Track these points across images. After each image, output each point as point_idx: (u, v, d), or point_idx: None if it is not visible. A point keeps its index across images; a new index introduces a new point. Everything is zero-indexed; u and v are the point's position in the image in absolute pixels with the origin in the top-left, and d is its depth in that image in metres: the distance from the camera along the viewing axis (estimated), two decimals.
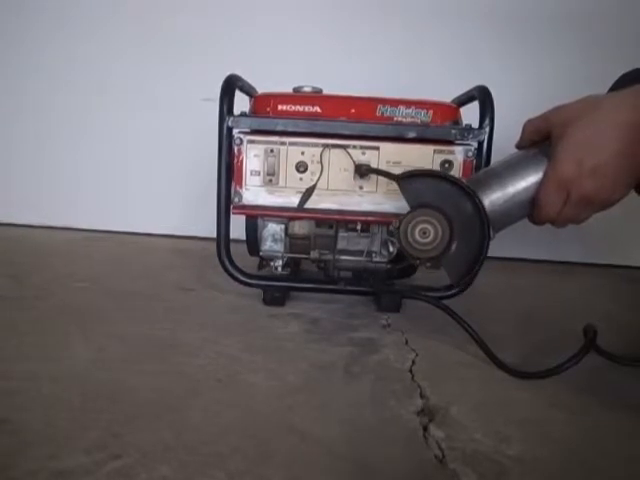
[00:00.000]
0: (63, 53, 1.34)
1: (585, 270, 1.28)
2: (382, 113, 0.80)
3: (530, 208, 0.62)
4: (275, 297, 0.84)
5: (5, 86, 1.36)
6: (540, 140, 0.62)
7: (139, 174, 1.36)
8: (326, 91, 0.84)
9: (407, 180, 0.66)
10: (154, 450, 0.44)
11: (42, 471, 0.40)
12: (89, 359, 0.61)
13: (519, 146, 0.65)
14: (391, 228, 0.68)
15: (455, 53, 1.25)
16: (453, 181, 0.64)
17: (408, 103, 0.80)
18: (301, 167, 0.79)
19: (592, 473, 0.45)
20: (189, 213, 1.34)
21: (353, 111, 0.80)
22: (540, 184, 0.60)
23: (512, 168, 0.63)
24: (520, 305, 0.96)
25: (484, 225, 0.62)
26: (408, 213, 0.65)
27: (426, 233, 0.63)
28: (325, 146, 0.79)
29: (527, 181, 0.61)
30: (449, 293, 0.82)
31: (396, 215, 0.79)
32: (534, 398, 0.58)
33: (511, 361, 0.65)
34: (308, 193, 0.79)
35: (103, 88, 1.34)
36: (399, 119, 0.80)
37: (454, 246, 0.64)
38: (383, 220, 0.80)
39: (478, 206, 0.62)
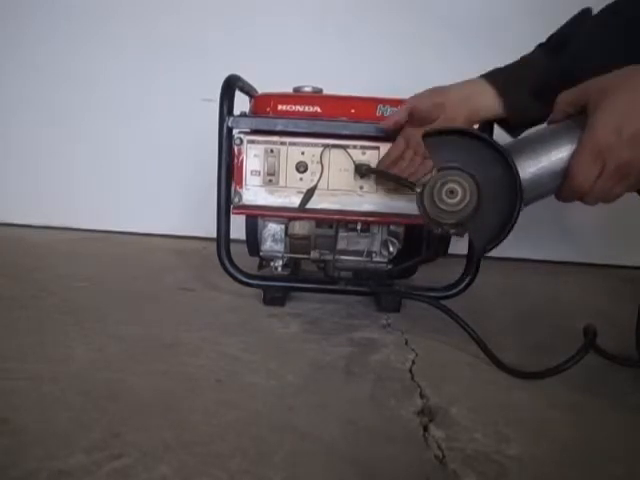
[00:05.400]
0: (62, 53, 1.34)
1: (585, 270, 1.28)
2: (382, 113, 0.80)
3: (561, 180, 0.58)
4: (275, 297, 0.84)
5: (4, 86, 1.36)
6: (575, 113, 0.59)
7: (139, 174, 1.36)
8: (326, 91, 0.84)
9: (435, 138, 0.61)
10: (154, 450, 0.44)
11: (42, 471, 0.40)
12: (89, 359, 0.61)
13: (552, 120, 0.61)
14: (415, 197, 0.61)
15: (455, 52, 1.25)
16: (485, 140, 0.59)
17: None
18: (301, 167, 0.79)
19: (592, 473, 0.45)
20: (189, 213, 1.34)
21: (353, 111, 0.80)
22: (574, 153, 0.57)
23: (545, 138, 0.60)
24: (520, 305, 0.96)
25: (516, 188, 0.57)
26: (437, 173, 0.60)
27: (453, 193, 0.58)
28: (325, 146, 0.79)
29: (561, 151, 0.58)
30: (449, 293, 0.82)
31: (397, 215, 0.79)
32: (534, 398, 0.58)
33: (511, 361, 0.64)
34: (309, 194, 0.79)
35: (103, 88, 1.34)
36: None
37: (482, 210, 0.59)
38: (383, 220, 0.81)
39: (511, 167, 0.57)
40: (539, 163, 0.58)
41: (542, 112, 0.64)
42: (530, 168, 0.58)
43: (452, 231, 0.60)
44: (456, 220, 0.59)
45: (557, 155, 0.58)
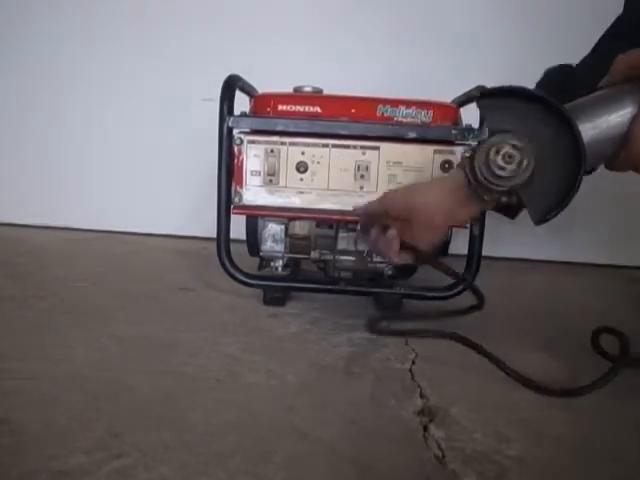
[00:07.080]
0: (62, 54, 1.34)
1: (586, 270, 1.28)
2: (382, 113, 0.80)
3: (619, 147, 0.54)
4: (275, 297, 0.84)
5: (5, 86, 1.36)
6: (635, 76, 0.55)
7: (139, 174, 1.35)
8: (326, 91, 0.84)
9: (490, 100, 0.57)
10: (154, 450, 0.44)
11: (42, 471, 0.40)
12: (89, 359, 0.61)
13: (608, 83, 0.57)
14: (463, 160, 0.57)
15: (456, 53, 1.25)
16: (545, 101, 0.55)
17: (408, 103, 0.80)
18: (301, 167, 0.79)
19: (593, 473, 0.45)
20: (189, 213, 1.34)
21: (353, 111, 0.80)
22: (635, 117, 0.53)
23: (603, 101, 0.56)
24: (522, 305, 0.96)
25: (578, 152, 0.53)
26: (489, 137, 0.56)
27: (512, 157, 0.54)
28: (325, 146, 0.79)
29: (620, 115, 0.54)
30: (449, 293, 0.82)
31: None
32: (534, 398, 0.58)
33: (513, 360, 0.64)
34: None
35: (103, 88, 1.33)
36: (399, 119, 0.80)
37: (537, 177, 0.55)
38: None
39: (573, 130, 0.53)
40: (597, 127, 0.55)
41: None
42: (588, 133, 0.54)
43: (503, 199, 0.57)
44: (509, 187, 0.55)
45: (616, 119, 0.54)
